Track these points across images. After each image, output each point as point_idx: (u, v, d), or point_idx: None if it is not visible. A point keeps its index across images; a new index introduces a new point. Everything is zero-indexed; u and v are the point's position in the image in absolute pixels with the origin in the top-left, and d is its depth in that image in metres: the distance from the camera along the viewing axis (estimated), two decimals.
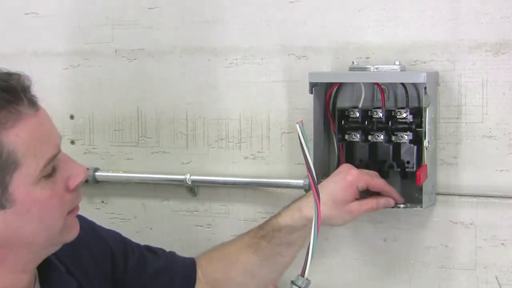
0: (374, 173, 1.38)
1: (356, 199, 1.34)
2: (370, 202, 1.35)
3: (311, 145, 1.44)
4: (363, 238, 1.48)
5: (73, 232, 1.16)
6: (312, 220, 1.12)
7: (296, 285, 1.13)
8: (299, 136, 1.11)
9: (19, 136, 1.06)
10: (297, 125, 1.11)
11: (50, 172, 1.10)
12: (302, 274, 1.14)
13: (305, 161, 1.13)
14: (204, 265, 1.43)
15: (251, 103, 1.54)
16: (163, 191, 1.65)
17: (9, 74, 1.10)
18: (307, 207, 1.33)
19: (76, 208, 1.16)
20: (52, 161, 1.10)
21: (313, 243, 1.13)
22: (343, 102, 1.45)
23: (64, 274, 1.22)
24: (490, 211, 1.39)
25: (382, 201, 1.36)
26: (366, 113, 1.40)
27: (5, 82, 1.08)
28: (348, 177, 1.34)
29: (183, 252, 1.62)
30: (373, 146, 1.42)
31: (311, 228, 1.12)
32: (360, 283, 1.49)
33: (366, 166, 1.42)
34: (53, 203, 1.11)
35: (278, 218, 1.38)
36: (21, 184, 1.07)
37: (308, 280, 1.14)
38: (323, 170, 1.45)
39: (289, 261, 1.40)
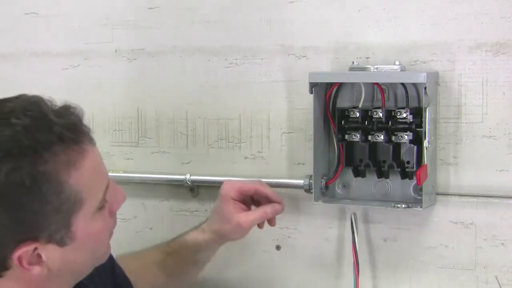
0: (252, 181, 1.41)
1: (245, 211, 1.38)
2: (256, 211, 1.38)
3: (310, 144, 1.45)
4: (363, 238, 1.48)
5: (108, 254, 1.19)
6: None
7: None
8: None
9: (83, 176, 1.07)
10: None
11: (103, 203, 1.12)
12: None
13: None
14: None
15: (251, 103, 1.54)
16: (163, 191, 1.65)
17: (67, 108, 1.09)
18: (210, 226, 1.40)
19: (112, 232, 1.18)
20: (106, 192, 1.12)
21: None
22: (343, 102, 1.45)
23: None
24: (490, 211, 1.39)
25: (268, 209, 1.38)
26: (366, 113, 1.40)
27: (67, 120, 1.07)
28: (221, 191, 1.39)
29: None
30: (373, 146, 1.42)
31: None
32: (360, 283, 1.49)
33: (366, 166, 1.43)
34: (105, 233, 1.14)
35: (186, 236, 1.42)
36: (82, 221, 1.08)
37: None
38: (323, 170, 1.45)
39: (194, 279, 1.46)
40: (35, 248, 1.06)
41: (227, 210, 1.38)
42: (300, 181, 1.48)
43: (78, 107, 1.11)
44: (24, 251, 1.05)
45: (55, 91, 1.68)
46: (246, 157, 1.56)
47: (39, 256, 1.07)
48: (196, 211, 1.62)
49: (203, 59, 1.58)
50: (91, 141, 1.11)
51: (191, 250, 1.41)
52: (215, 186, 1.59)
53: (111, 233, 1.17)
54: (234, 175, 1.54)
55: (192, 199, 1.62)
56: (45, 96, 1.10)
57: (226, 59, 1.56)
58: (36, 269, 1.07)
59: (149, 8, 1.61)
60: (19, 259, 1.05)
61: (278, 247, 1.56)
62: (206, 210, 1.61)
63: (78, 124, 1.09)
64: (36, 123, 1.04)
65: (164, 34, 1.61)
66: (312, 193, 1.45)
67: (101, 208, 1.11)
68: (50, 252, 1.07)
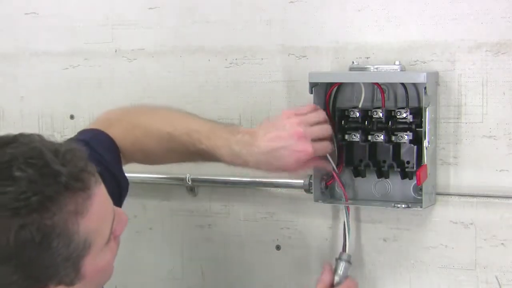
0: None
1: None
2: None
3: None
4: (363, 238, 1.48)
5: (112, 274, 1.17)
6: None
7: (342, 260, 1.40)
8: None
9: (91, 222, 1.05)
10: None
11: (110, 236, 1.10)
12: (344, 250, 1.42)
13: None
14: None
15: (251, 103, 1.54)
16: (163, 191, 1.65)
17: (71, 152, 1.04)
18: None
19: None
20: (112, 225, 1.10)
21: (348, 224, 1.42)
22: (343, 102, 1.45)
23: None
24: (490, 211, 1.39)
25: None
26: (366, 113, 1.40)
27: (73, 168, 1.03)
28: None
29: (183, 252, 1.62)
30: (373, 146, 1.42)
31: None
32: (360, 283, 1.49)
33: (366, 166, 1.43)
34: (112, 262, 1.13)
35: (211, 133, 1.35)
36: (91, 261, 1.07)
37: (350, 255, 1.41)
38: (323, 170, 1.45)
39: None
40: None
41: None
42: (300, 181, 1.48)
43: (81, 147, 1.07)
44: None
45: (55, 91, 1.71)
46: None
47: None
48: (196, 211, 1.62)
49: (203, 59, 1.58)
50: (97, 182, 1.07)
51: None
52: (215, 186, 1.59)
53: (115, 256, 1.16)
54: (234, 175, 1.54)
55: (192, 199, 1.62)
56: (44, 135, 1.07)
57: (226, 59, 1.56)
58: None
59: (149, 8, 1.61)
60: None
61: (278, 247, 1.56)
62: (206, 210, 1.61)
63: (84, 168, 1.04)
64: (40, 174, 1.00)
65: (164, 34, 1.61)
66: (312, 193, 1.45)
67: (108, 241, 1.10)
68: None
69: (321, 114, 1.37)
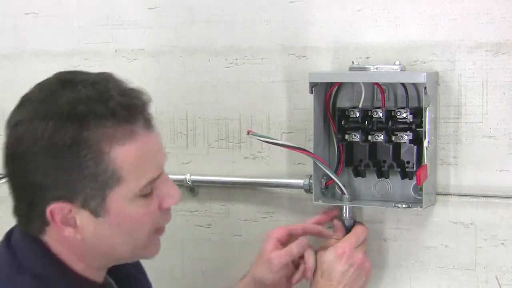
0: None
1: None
2: (285, 248, 1.37)
3: (310, 144, 1.45)
4: None
5: (155, 250, 1.22)
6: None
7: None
8: (261, 140, 1.41)
9: (127, 155, 1.10)
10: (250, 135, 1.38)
11: (148, 192, 1.14)
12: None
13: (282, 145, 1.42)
14: None
15: (251, 103, 1.54)
16: None
17: (132, 90, 1.13)
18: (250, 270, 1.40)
19: (162, 227, 1.21)
20: (153, 182, 1.14)
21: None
22: (343, 102, 1.45)
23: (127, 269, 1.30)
24: (490, 211, 1.39)
25: (294, 245, 1.37)
26: (366, 113, 1.40)
27: (126, 99, 1.11)
28: (269, 231, 1.40)
29: (183, 252, 1.62)
30: (373, 146, 1.42)
31: None
32: None
33: (366, 166, 1.43)
34: (145, 221, 1.15)
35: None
36: (118, 199, 1.11)
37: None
38: (323, 170, 1.45)
39: None
40: (70, 210, 1.11)
41: (265, 248, 1.38)
42: (300, 181, 1.47)
43: (147, 93, 1.15)
44: (57, 207, 1.10)
45: None
46: (246, 157, 1.56)
47: (74, 219, 1.11)
48: (196, 211, 1.62)
49: (203, 59, 1.58)
50: (149, 127, 1.14)
51: None
52: (215, 186, 1.59)
53: (158, 228, 1.19)
54: (234, 175, 1.54)
55: (192, 199, 1.62)
56: (122, 77, 1.15)
57: (226, 59, 1.56)
58: (68, 231, 1.12)
59: (149, 8, 1.61)
60: (52, 214, 1.10)
61: None
62: (206, 210, 1.61)
63: (138, 106, 1.12)
64: (96, 95, 1.09)
65: (164, 34, 1.61)
66: (312, 193, 1.45)
67: (145, 196, 1.14)
68: (84, 219, 1.12)
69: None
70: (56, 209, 1.10)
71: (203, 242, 1.62)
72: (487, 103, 1.37)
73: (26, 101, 1.14)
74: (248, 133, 1.40)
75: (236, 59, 1.55)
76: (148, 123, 1.14)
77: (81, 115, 1.08)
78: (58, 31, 1.70)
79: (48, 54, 1.71)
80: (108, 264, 1.22)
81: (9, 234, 1.20)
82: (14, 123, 1.13)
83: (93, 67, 1.67)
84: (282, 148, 1.51)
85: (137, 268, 1.37)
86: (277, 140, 1.45)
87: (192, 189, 1.61)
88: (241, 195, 1.58)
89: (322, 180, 1.45)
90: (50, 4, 1.70)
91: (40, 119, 1.08)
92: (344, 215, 1.45)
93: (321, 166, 1.42)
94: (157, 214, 1.17)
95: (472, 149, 1.39)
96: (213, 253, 1.61)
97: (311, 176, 1.45)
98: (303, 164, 1.50)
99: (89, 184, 1.09)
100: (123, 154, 1.10)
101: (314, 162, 1.43)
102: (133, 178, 1.11)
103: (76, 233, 1.13)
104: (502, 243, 1.39)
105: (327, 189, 1.46)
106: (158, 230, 1.20)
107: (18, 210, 1.16)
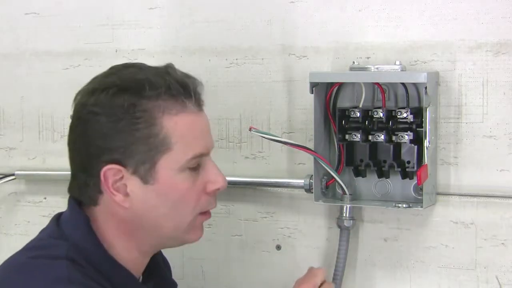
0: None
1: None
2: None
3: (311, 144, 1.45)
4: (363, 238, 1.48)
5: (197, 234, 1.28)
6: None
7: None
8: (263, 137, 1.43)
9: (177, 125, 1.19)
10: (253, 131, 1.40)
11: (195, 166, 1.21)
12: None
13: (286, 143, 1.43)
14: None
15: (252, 103, 1.54)
16: None
17: (187, 76, 1.23)
18: None
19: (208, 212, 1.27)
20: (199, 158, 1.22)
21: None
22: (344, 102, 1.45)
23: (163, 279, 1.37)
24: (491, 211, 1.39)
25: None
26: (366, 113, 1.40)
27: (182, 77, 1.22)
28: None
29: (183, 252, 1.62)
30: (374, 146, 1.42)
31: None
32: (360, 283, 1.49)
33: (367, 166, 1.43)
34: (190, 196, 1.22)
35: None
36: (166, 166, 1.19)
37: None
38: (323, 170, 1.45)
39: None
40: (122, 177, 1.18)
41: None
42: (301, 181, 1.48)
43: (200, 81, 1.24)
44: (110, 168, 1.18)
45: (55, 91, 1.71)
46: (246, 157, 1.56)
47: (125, 186, 1.19)
48: None
49: (203, 59, 1.58)
50: (199, 107, 1.23)
51: None
52: None
53: (201, 208, 1.24)
54: (235, 175, 1.54)
55: None
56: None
57: (226, 59, 1.56)
58: (119, 197, 1.19)
59: (149, 8, 1.61)
60: (105, 176, 1.18)
61: (278, 247, 1.56)
62: None
63: (189, 86, 1.21)
64: (156, 73, 1.21)
65: (164, 34, 1.61)
66: (312, 193, 1.45)
67: (192, 170, 1.21)
68: (134, 186, 1.19)
69: None
70: (109, 171, 1.18)
71: (203, 242, 1.61)
72: (488, 103, 1.37)
73: (94, 78, 1.24)
74: (251, 129, 1.41)
75: (236, 59, 1.55)
76: (199, 103, 1.23)
77: (139, 85, 1.18)
78: (58, 31, 1.70)
79: (48, 54, 1.71)
80: (150, 245, 1.26)
81: (58, 215, 1.27)
82: (80, 94, 1.22)
83: (93, 67, 1.67)
84: (282, 147, 1.51)
85: (166, 265, 1.43)
86: (279, 137, 1.45)
87: None
88: (241, 195, 1.58)
89: (323, 180, 1.45)
90: (50, 4, 1.71)
91: (102, 89, 1.19)
92: (344, 215, 1.45)
93: (323, 165, 1.42)
94: (201, 195, 1.23)
95: (473, 149, 1.39)
96: (213, 253, 1.61)
97: (312, 176, 1.45)
98: (304, 164, 1.50)
99: (141, 148, 1.17)
100: (174, 123, 1.19)
101: (314, 161, 1.43)
102: (181, 148, 1.19)
103: (125, 201, 1.19)
104: (502, 243, 1.39)
105: (328, 189, 1.46)
106: (204, 214, 1.26)
107: (76, 180, 1.23)
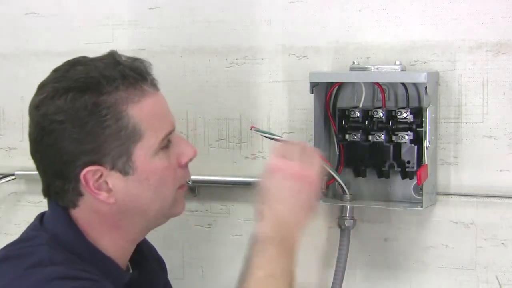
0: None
1: None
2: None
3: (311, 144, 1.45)
4: (363, 238, 1.48)
5: (182, 205, 1.30)
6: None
7: None
8: (264, 136, 1.42)
9: (142, 111, 1.20)
10: (253, 130, 1.40)
11: (166, 144, 1.23)
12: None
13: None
14: None
15: (252, 103, 1.54)
16: None
17: (136, 59, 1.24)
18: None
19: (184, 185, 1.29)
20: (168, 136, 1.23)
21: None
22: (344, 102, 1.45)
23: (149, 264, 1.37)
24: (491, 211, 1.39)
25: None
26: (366, 113, 1.40)
27: (132, 63, 1.22)
28: None
29: (183, 252, 1.62)
30: (374, 146, 1.42)
31: None
32: (360, 282, 1.49)
33: (367, 166, 1.43)
34: (168, 174, 1.24)
35: None
36: (142, 154, 1.20)
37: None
38: (324, 170, 1.44)
39: None
40: (101, 175, 1.19)
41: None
42: None
43: (147, 61, 1.25)
44: (89, 170, 1.18)
45: None
46: (246, 157, 1.56)
47: (106, 183, 1.19)
48: (196, 211, 1.62)
49: (203, 59, 1.58)
50: (155, 86, 1.24)
51: None
52: (215, 186, 1.59)
53: (179, 182, 1.26)
54: (235, 175, 1.54)
55: (192, 199, 1.61)
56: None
57: (226, 59, 1.56)
58: (103, 195, 1.20)
59: (149, 8, 1.61)
60: (85, 179, 1.18)
61: None
62: (206, 210, 1.61)
63: (142, 70, 1.22)
64: (105, 64, 1.21)
65: (164, 34, 1.61)
66: None
67: (164, 148, 1.22)
68: (115, 180, 1.19)
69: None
70: (88, 173, 1.18)
71: (203, 242, 1.62)
72: (488, 103, 1.37)
73: (42, 85, 1.23)
74: (252, 128, 1.40)
75: (236, 59, 1.55)
76: (153, 83, 1.24)
77: (96, 82, 1.18)
78: (58, 31, 1.70)
79: (48, 54, 1.71)
80: (138, 231, 1.27)
81: (42, 214, 1.28)
82: (35, 105, 1.21)
83: None
84: None
85: (160, 263, 1.44)
86: (280, 136, 1.45)
87: (193, 189, 1.60)
88: (241, 195, 1.58)
89: (323, 180, 1.45)
90: (50, 4, 1.70)
91: (60, 95, 1.18)
92: (345, 215, 1.45)
93: (323, 165, 1.41)
94: (177, 170, 1.25)
95: (473, 149, 1.39)
96: (213, 253, 1.61)
97: None
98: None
99: (114, 143, 1.18)
100: (139, 110, 1.19)
101: None
102: (152, 133, 1.20)
103: (110, 197, 1.20)
104: (502, 243, 1.39)
105: (327, 189, 1.46)
106: (181, 187, 1.28)
107: (51, 188, 1.23)
